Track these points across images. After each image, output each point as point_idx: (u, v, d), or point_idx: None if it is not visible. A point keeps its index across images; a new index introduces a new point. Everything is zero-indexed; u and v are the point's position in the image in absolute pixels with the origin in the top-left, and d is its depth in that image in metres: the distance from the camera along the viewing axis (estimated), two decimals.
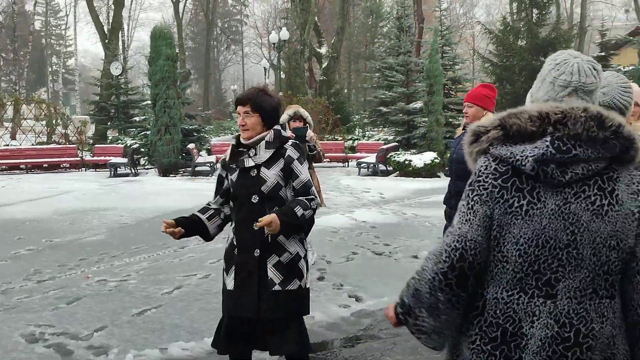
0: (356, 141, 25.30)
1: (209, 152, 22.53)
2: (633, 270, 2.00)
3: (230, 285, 3.55)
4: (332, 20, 41.15)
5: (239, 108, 3.54)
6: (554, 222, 1.94)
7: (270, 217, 3.31)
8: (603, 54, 28.03)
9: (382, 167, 20.13)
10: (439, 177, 18.46)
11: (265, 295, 3.46)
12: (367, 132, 27.97)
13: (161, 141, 19.36)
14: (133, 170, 20.64)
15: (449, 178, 5.28)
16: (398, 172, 19.39)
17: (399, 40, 25.30)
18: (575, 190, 1.95)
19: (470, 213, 2.02)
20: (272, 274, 3.48)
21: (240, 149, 3.61)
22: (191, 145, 20.24)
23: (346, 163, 23.39)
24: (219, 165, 3.80)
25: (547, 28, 26.98)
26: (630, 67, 18.31)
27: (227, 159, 3.64)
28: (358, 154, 22.96)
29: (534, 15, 26.73)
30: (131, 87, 29.62)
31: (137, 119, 26.77)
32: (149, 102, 21.56)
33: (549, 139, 1.95)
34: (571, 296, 1.97)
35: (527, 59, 25.93)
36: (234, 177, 3.56)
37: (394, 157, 19.61)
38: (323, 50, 34.93)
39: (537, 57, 26.27)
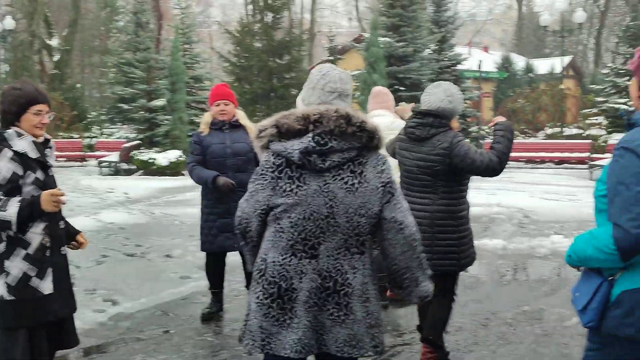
0: (94, 139, 24.23)
1: None
2: (384, 229, 2.61)
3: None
4: (64, 11, 38.74)
5: None
6: (317, 199, 2.52)
7: None
8: (331, 58, 30.28)
9: (125, 166, 19.56)
10: (183, 175, 18.50)
11: None
12: (106, 130, 26.90)
13: None
14: None
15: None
16: (142, 171, 19.02)
17: (137, 36, 24.72)
18: (333, 174, 2.53)
19: (252, 195, 2.62)
20: None
21: None
22: None
23: (85, 162, 22.30)
24: None
25: (282, 31, 28.32)
26: (357, 72, 20.04)
27: None
28: (98, 153, 22.03)
29: (269, 18, 27.87)
30: None
31: None
32: None
33: (311, 135, 2.50)
34: (329, 255, 2.56)
35: (264, 60, 26.97)
36: None
37: (137, 155, 19.19)
38: (54, 42, 32.78)
39: (273, 59, 27.47)
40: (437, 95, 4.09)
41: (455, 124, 4.24)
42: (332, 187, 2.52)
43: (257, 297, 2.63)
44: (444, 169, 4.03)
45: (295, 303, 2.57)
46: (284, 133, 2.53)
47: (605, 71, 26.23)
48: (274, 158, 2.56)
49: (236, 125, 5.40)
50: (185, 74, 20.40)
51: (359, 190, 2.54)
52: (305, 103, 2.70)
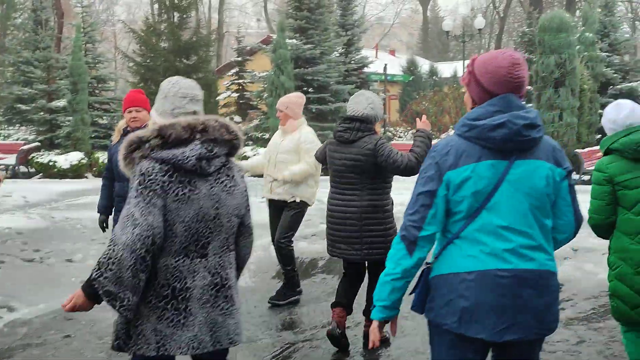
0: None
1: None
2: (241, 232, 2.93)
3: None
4: None
5: None
6: (207, 202, 2.71)
7: None
8: (240, 59, 30.23)
9: (23, 169, 18.86)
10: (86, 177, 18.02)
11: None
12: (3, 131, 25.78)
13: None
14: None
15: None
16: (42, 174, 18.39)
17: (36, 34, 23.86)
18: (216, 177, 2.76)
19: (150, 206, 2.59)
20: None
21: None
22: None
23: None
24: None
25: (189, 32, 28.04)
26: (264, 73, 20.14)
27: None
28: None
29: (175, 18, 27.54)
30: None
31: None
32: None
33: (198, 142, 2.68)
34: (215, 253, 2.78)
35: (170, 60, 26.64)
36: None
37: (37, 158, 18.54)
38: None
39: (180, 59, 27.16)
40: (361, 103, 4.69)
41: (378, 128, 4.79)
42: (216, 189, 2.76)
43: (149, 302, 2.68)
44: (369, 168, 4.58)
45: (189, 302, 2.70)
46: (169, 142, 2.66)
47: None
48: (160, 165, 2.63)
49: None
50: (87, 74, 19.87)
51: (235, 193, 2.83)
52: (159, 112, 2.85)
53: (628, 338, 3.78)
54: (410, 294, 2.62)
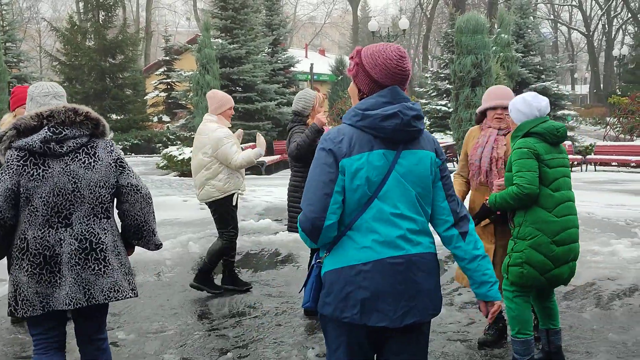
0: None
1: None
2: (123, 194, 3.34)
3: None
4: None
5: None
6: (62, 178, 3.16)
7: None
8: (168, 58, 30.07)
9: None
10: None
11: None
12: None
13: None
14: None
15: None
16: None
17: None
18: (72, 157, 3.21)
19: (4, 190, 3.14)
20: None
21: None
22: None
23: None
24: None
25: (115, 30, 27.71)
26: (191, 72, 20.15)
27: None
28: None
29: (100, 16, 27.18)
30: None
31: None
32: None
33: (46, 128, 3.16)
34: (81, 222, 3.22)
35: (95, 59, 26.29)
36: None
37: None
38: None
39: (105, 58, 26.82)
40: (295, 99, 5.70)
41: (318, 119, 5.35)
42: (72, 167, 3.20)
43: (26, 270, 3.18)
44: (293, 153, 5.36)
45: (60, 265, 3.19)
46: (22, 132, 3.16)
47: (428, 75, 28.24)
48: (17, 152, 3.15)
49: None
50: (7, 73, 19.45)
51: (96, 168, 3.25)
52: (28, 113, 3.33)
53: (516, 302, 4.20)
54: (300, 291, 2.70)
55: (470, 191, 4.88)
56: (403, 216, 2.56)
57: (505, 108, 4.57)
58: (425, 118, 17.76)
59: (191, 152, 6.23)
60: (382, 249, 2.52)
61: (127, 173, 3.36)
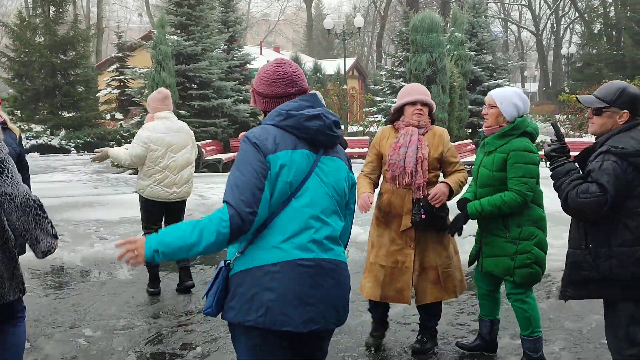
0: None
1: None
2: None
3: None
4: None
5: None
6: None
7: None
8: (120, 54, 29.63)
9: None
10: None
11: None
12: None
13: None
14: None
15: None
16: None
17: None
18: None
19: None
20: None
21: None
22: None
23: None
24: None
25: (66, 26, 27.21)
26: (145, 69, 19.94)
27: None
28: None
29: (51, 12, 26.65)
30: None
31: None
32: None
33: None
34: None
35: (46, 55, 25.78)
36: None
37: None
38: None
39: (56, 54, 26.31)
40: None
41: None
42: None
43: None
44: None
45: None
46: None
47: (383, 72, 28.53)
48: None
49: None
50: None
51: None
52: None
53: (529, 302, 4.21)
54: (203, 297, 2.60)
55: (384, 193, 4.59)
56: (319, 219, 2.54)
57: (425, 104, 4.48)
58: (380, 116, 17.76)
59: (160, 149, 6.00)
60: (293, 250, 2.47)
61: (4, 179, 3.15)
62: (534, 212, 4.14)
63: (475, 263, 4.45)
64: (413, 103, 4.48)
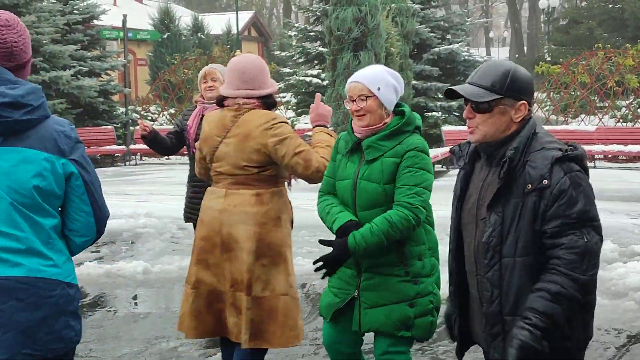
0: None
1: None
2: None
3: None
4: None
5: None
6: None
7: None
8: None
9: None
10: None
11: None
12: None
13: None
14: None
15: None
16: None
17: None
18: None
19: None
20: None
21: None
22: None
23: None
24: None
25: None
26: None
27: None
28: None
29: None
30: None
31: None
32: None
33: None
34: None
35: None
36: None
37: None
38: None
39: None
40: None
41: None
42: None
43: None
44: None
45: None
46: None
47: (292, 33, 28.41)
48: None
49: None
50: None
51: None
52: None
53: None
54: None
55: None
56: None
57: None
58: (290, 94, 17.88)
59: None
60: None
61: None
62: (432, 236, 4.12)
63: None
64: None
